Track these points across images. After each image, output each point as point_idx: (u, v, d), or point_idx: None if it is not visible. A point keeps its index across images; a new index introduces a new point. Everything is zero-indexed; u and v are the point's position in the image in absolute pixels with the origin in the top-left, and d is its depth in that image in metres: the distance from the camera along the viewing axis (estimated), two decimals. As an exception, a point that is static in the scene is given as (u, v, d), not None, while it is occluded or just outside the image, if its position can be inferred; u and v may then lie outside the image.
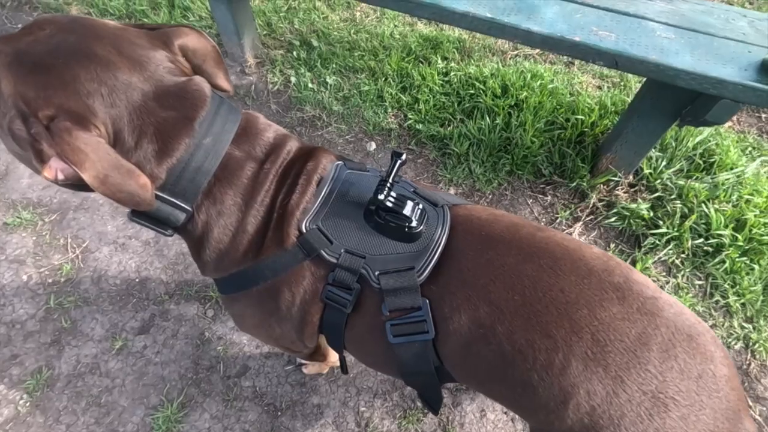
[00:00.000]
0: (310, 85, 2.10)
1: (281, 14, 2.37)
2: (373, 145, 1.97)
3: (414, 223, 0.67)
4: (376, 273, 0.68)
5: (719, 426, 0.55)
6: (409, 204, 0.68)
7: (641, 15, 1.33)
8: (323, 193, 0.72)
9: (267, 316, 0.78)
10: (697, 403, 0.55)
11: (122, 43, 0.62)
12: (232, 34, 2.04)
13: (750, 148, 1.90)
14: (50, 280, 1.59)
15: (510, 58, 2.25)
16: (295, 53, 2.21)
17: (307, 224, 0.70)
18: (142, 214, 0.69)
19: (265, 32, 2.30)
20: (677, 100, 1.37)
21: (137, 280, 1.60)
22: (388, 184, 0.68)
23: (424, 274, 0.67)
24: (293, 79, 2.13)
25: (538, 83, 1.97)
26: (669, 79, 1.21)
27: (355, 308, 0.71)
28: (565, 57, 2.26)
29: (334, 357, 1.30)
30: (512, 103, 1.95)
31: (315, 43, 2.23)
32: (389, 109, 2.04)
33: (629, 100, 1.87)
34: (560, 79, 2.08)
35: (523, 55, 2.27)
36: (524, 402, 0.63)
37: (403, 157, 0.71)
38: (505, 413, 1.37)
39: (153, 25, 0.70)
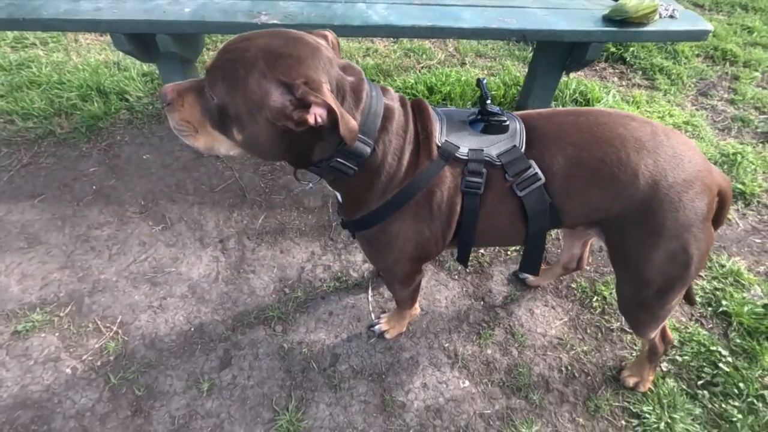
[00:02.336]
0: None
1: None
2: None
3: (505, 118, 1.03)
4: (495, 154, 1.01)
5: (702, 160, 1.00)
6: (495, 108, 1.04)
7: (527, 6, 1.93)
8: (439, 119, 1.04)
9: (420, 222, 1.04)
10: (693, 149, 1.00)
11: (309, 38, 0.89)
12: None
13: (602, 87, 2.69)
14: (99, 363, 1.53)
15: (419, 70, 2.79)
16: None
17: (440, 140, 1.01)
18: (322, 166, 0.94)
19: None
20: (561, 53, 1.99)
21: (192, 329, 1.63)
22: (487, 99, 1.03)
23: (523, 146, 1.02)
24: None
25: (454, 79, 2.52)
26: (559, 37, 1.80)
27: (486, 189, 1.02)
28: (457, 61, 2.89)
29: (416, 309, 1.54)
30: (441, 98, 2.45)
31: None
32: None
33: (522, 75, 2.53)
34: (464, 75, 2.67)
35: (427, 66, 2.84)
36: (612, 190, 1.00)
37: (485, 80, 1.07)
38: (548, 306, 1.73)
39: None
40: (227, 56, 0.83)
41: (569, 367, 1.56)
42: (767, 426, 1.38)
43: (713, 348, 1.56)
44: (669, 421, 1.40)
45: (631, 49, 2.97)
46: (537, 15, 1.87)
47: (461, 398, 1.49)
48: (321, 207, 2.06)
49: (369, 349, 1.60)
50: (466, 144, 1.02)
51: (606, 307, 1.72)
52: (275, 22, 1.71)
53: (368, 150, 0.94)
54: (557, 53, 2.00)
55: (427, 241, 1.10)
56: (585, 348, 1.61)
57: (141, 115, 2.44)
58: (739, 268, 1.83)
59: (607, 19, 1.84)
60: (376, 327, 1.62)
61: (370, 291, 1.76)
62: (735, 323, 1.65)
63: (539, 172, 1.01)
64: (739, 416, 1.41)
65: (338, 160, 0.93)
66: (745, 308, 1.66)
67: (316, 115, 0.80)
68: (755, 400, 1.44)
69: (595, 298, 1.74)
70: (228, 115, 0.86)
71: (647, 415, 1.42)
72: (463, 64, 2.91)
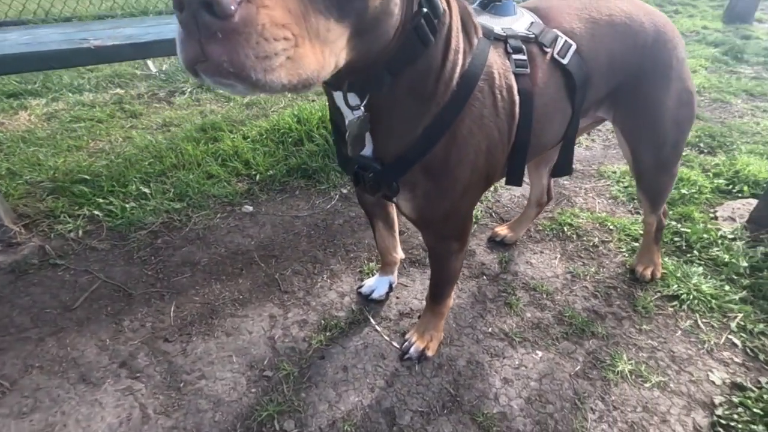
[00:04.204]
0: (126, 205, 1.72)
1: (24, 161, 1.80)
2: (249, 208, 1.83)
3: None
4: (525, 29, 0.91)
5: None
6: None
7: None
8: (474, 12, 0.88)
9: (488, 119, 0.83)
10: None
11: None
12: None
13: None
14: None
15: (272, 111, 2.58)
16: (76, 190, 1.74)
17: (480, 29, 0.85)
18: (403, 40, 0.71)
19: (18, 192, 1.68)
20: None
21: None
22: None
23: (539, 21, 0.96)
24: (95, 212, 1.69)
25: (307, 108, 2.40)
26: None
27: (531, 66, 0.89)
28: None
29: (451, 298, 1.23)
30: (308, 129, 2.27)
31: (87, 177, 1.83)
32: (231, 181, 1.95)
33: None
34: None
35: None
36: (629, 40, 0.99)
37: None
38: (537, 253, 1.65)
39: None
40: None
41: (597, 290, 1.49)
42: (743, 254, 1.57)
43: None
44: (687, 290, 1.45)
45: None
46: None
47: (548, 370, 1.22)
48: (248, 264, 1.56)
49: (419, 380, 1.19)
50: (501, 25, 0.89)
51: (578, 231, 1.75)
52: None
53: (443, 5, 0.73)
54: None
55: (495, 146, 0.88)
56: (592, 270, 1.57)
57: None
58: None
59: None
60: (412, 350, 1.23)
61: (372, 320, 1.36)
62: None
63: (568, 39, 0.95)
64: (726, 257, 1.57)
65: (421, 21, 0.71)
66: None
67: None
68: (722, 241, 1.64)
69: (564, 228, 1.76)
70: None
71: (679, 293, 1.45)
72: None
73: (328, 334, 1.30)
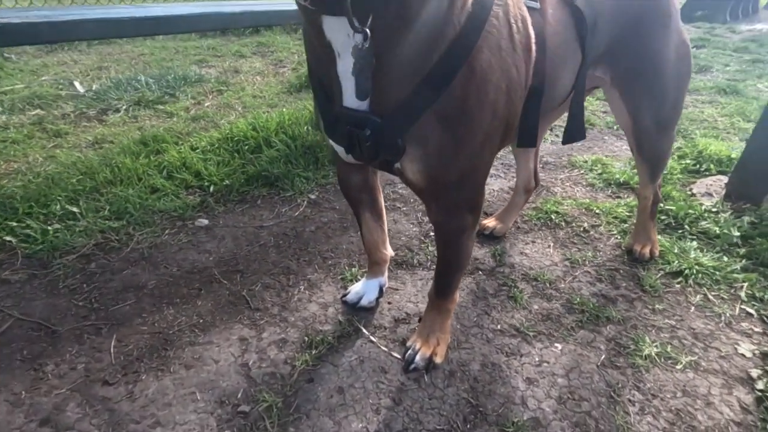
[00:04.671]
0: (49, 228, 1.42)
1: None
2: (204, 222, 1.59)
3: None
4: None
5: None
6: None
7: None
8: None
9: (506, 53, 0.69)
10: None
11: None
12: None
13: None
14: None
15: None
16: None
17: None
18: None
19: None
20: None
21: None
22: None
23: None
24: (7, 239, 1.37)
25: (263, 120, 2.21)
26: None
27: (543, 11, 0.78)
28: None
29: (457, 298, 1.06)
30: (266, 136, 2.07)
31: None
32: (180, 194, 1.70)
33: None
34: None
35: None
36: None
37: None
38: (530, 243, 1.54)
39: None
40: None
41: (601, 274, 1.39)
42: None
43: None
44: (689, 264, 1.38)
45: None
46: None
47: (572, 363, 1.07)
48: (207, 283, 1.31)
49: (431, 393, 0.99)
50: None
51: (565, 218, 1.67)
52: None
53: None
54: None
55: (515, 88, 0.75)
56: (589, 254, 1.48)
57: None
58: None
59: None
60: (417, 358, 1.04)
61: (364, 330, 1.15)
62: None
63: None
64: (716, 229, 1.53)
65: None
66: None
67: None
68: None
69: (552, 216, 1.67)
70: None
71: (682, 268, 1.38)
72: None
73: (314, 352, 1.08)
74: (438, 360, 1.04)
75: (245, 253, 1.44)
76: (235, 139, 1.98)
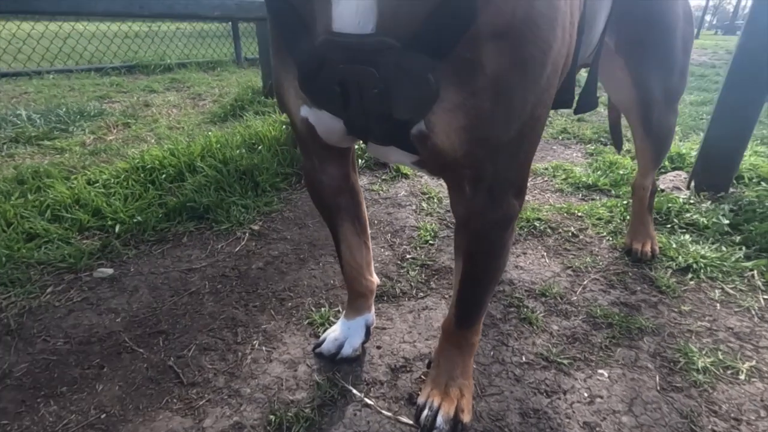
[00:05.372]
0: None
1: None
2: (107, 271, 1.17)
3: None
4: None
5: None
6: None
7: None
8: None
9: (546, 58, 0.47)
10: None
11: None
12: None
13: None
14: None
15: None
16: None
17: None
18: None
19: None
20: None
21: None
22: None
23: None
24: None
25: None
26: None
27: None
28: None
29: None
30: (188, 161, 1.72)
31: None
32: (72, 238, 1.26)
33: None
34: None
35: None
36: None
37: None
38: (521, 256, 1.33)
39: None
40: None
41: (610, 280, 1.20)
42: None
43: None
44: (694, 258, 1.26)
45: None
46: None
47: (629, 392, 0.84)
48: (113, 354, 0.90)
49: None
50: None
51: (549, 224, 1.49)
52: None
53: None
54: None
55: (569, 41, 0.53)
56: (588, 260, 1.30)
57: None
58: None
59: None
60: (439, 421, 0.74)
61: (354, 390, 0.83)
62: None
63: None
64: (704, 220, 1.45)
65: None
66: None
67: None
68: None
69: (535, 224, 1.49)
70: None
71: (689, 264, 1.24)
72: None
73: (305, 425, 0.73)
74: (466, 419, 0.75)
75: (169, 307, 1.06)
76: (148, 167, 1.59)
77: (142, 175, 1.57)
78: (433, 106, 0.47)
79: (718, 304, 1.11)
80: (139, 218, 1.36)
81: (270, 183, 1.66)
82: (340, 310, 1.05)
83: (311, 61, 0.49)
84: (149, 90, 3.52)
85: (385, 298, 1.12)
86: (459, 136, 0.49)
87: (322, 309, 1.05)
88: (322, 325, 1.00)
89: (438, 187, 1.81)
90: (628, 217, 1.53)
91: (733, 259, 1.26)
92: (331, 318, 1.02)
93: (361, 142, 0.63)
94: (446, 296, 1.13)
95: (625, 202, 1.63)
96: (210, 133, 1.96)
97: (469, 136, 0.49)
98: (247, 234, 1.39)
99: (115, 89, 3.49)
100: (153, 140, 2.23)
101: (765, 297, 1.13)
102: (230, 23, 4.90)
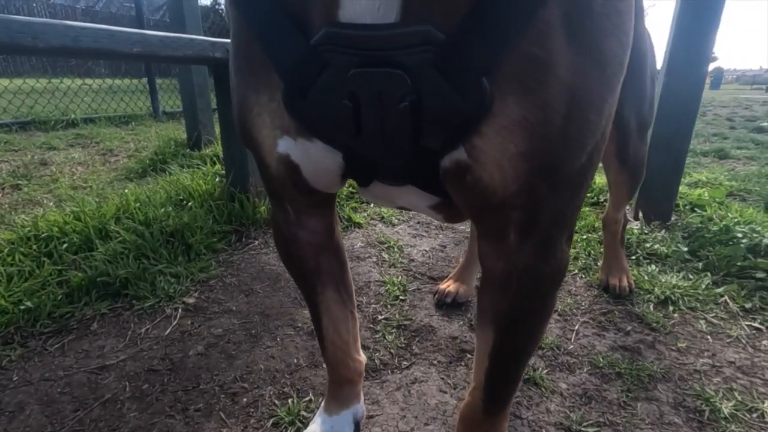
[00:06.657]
0: None
1: None
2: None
3: None
4: None
5: None
6: None
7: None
8: None
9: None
10: None
11: None
12: None
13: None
14: None
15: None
16: None
17: None
18: None
19: None
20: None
21: None
22: None
23: None
24: None
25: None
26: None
27: None
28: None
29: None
30: (98, 225, 1.43)
31: None
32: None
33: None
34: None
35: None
36: None
37: None
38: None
39: None
40: None
41: (600, 323, 1.12)
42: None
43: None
44: (669, 289, 1.24)
45: None
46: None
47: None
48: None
49: None
50: None
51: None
52: None
53: None
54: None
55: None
56: (569, 301, 1.22)
57: None
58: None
59: None
60: None
61: None
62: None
63: None
64: (664, 249, 1.46)
65: None
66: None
67: None
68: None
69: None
70: None
71: (666, 295, 1.21)
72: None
73: None
74: None
75: (72, 428, 0.76)
76: (43, 236, 1.27)
77: (34, 246, 1.25)
78: (481, 124, 0.34)
79: (709, 337, 1.07)
80: (28, 303, 1.04)
81: (205, 244, 1.41)
82: (312, 398, 0.83)
83: (305, 69, 0.34)
84: (47, 147, 3.07)
85: (369, 374, 0.92)
86: (515, 166, 0.36)
87: (289, 401, 0.83)
88: (291, 425, 0.78)
89: (395, 234, 1.68)
90: (592, 252, 1.50)
91: (703, 286, 1.26)
92: (303, 412, 0.80)
93: (355, 182, 0.47)
94: (434, 362, 0.96)
95: (584, 236, 1.61)
96: (127, 190, 1.66)
97: (529, 165, 0.36)
98: (179, 310, 1.12)
99: (2, 148, 2.99)
100: (51, 203, 1.86)
101: (746, 323, 1.11)
102: (146, 78, 4.59)
